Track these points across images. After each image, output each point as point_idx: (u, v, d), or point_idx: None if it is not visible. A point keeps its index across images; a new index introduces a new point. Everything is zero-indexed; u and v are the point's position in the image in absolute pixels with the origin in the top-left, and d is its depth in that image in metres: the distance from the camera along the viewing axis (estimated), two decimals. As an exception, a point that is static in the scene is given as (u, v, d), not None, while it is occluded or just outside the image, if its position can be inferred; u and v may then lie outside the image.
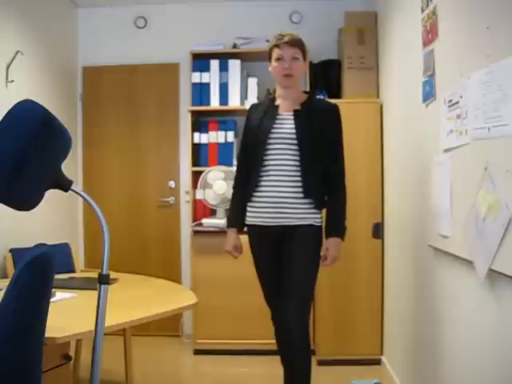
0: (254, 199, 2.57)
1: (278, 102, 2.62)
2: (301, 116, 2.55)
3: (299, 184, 2.50)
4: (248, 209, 2.62)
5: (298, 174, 2.50)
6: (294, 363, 2.55)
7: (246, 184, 2.63)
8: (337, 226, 2.58)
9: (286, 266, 2.51)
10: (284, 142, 2.52)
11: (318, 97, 2.95)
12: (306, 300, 2.53)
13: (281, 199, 2.50)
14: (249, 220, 2.63)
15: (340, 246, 2.56)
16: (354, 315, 3.64)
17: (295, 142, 2.50)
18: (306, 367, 2.52)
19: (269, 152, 2.53)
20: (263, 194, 2.54)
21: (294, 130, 2.52)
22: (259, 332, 3.69)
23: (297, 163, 2.50)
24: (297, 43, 2.55)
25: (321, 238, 2.56)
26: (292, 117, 2.55)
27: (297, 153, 2.50)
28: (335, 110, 2.62)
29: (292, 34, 2.56)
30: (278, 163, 2.52)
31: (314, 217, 2.53)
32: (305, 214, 2.51)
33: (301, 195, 2.50)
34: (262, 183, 2.54)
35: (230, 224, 2.75)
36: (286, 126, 2.54)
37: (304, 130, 2.51)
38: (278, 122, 2.56)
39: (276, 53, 2.56)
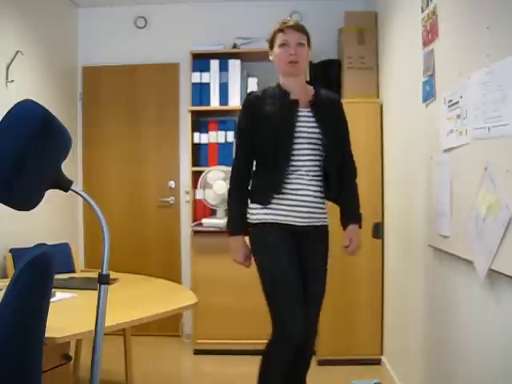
0: (281, 197, 2.36)
1: (292, 96, 2.42)
2: (318, 112, 2.41)
3: (321, 184, 2.41)
4: (271, 206, 2.38)
5: (321, 173, 2.41)
6: (301, 374, 2.52)
7: (247, 184, 2.49)
8: (356, 214, 2.52)
9: (313, 274, 2.42)
10: (308, 142, 2.38)
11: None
12: (321, 308, 2.50)
13: (312, 198, 2.38)
14: (272, 218, 2.38)
15: (360, 234, 2.50)
16: (354, 315, 3.64)
17: (319, 141, 2.38)
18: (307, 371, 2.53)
19: (295, 152, 2.36)
20: (295, 193, 2.36)
21: (316, 130, 2.38)
22: (259, 332, 3.67)
23: (319, 163, 2.40)
24: (303, 28, 2.42)
25: None
26: (311, 113, 2.41)
27: (320, 152, 2.39)
28: (340, 102, 2.60)
29: (296, 20, 2.47)
30: (306, 163, 2.37)
31: (327, 217, 2.51)
32: (324, 215, 2.48)
33: (322, 195, 2.43)
34: (291, 181, 2.36)
35: (235, 230, 2.48)
36: (307, 125, 2.39)
37: (325, 127, 2.39)
38: (299, 119, 2.38)
39: (280, 38, 2.39)
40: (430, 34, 2.33)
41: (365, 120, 3.64)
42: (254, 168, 2.52)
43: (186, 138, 4.15)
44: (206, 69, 4.06)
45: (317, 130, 2.38)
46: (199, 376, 3.65)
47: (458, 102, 1.97)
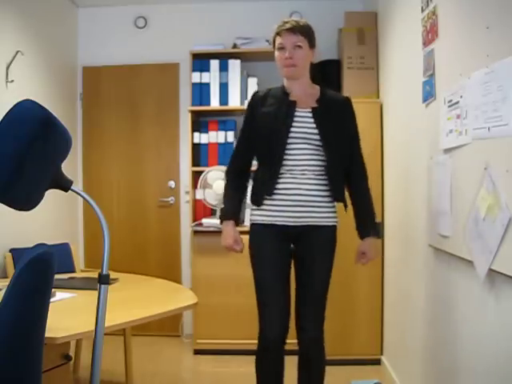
0: (273, 197, 2.38)
1: (292, 97, 2.43)
2: (320, 114, 2.40)
3: (326, 184, 2.39)
4: (263, 207, 2.41)
5: (324, 174, 2.38)
6: (312, 376, 2.47)
7: (242, 176, 2.58)
8: (372, 226, 2.53)
9: (309, 274, 2.42)
10: (306, 142, 2.37)
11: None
12: (324, 308, 2.44)
13: (307, 197, 2.36)
14: (262, 219, 2.42)
15: (376, 246, 2.51)
16: (354, 315, 3.64)
17: (319, 142, 2.36)
18: (322, 374, 2.47)
19: (289, 152, 2.36)
20: (286, 193, 2.36)
21: (316, 130, 2.37)
22: (259, 332, 3.68)
23: (321, 163, 2.38)
24: (299, 30, 2.35)
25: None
26: (311, 114, 2.39)
27: (321, 153, 2.37)
28: (350, 103, 2.51)
29: (296, 21, 2.39)
30: (301, 163, 2.36)
31: (335, 216, 2.45)
32: (327, 214, 2.41)
33: (326, 194, 2.39)
34: (284, 181, 2.36)
35: (226, 216, 2.49)
36: (306, 125, 2.38)
37: (326, 129, 2.38)
38: (296, 119, 2.38)
39: (277, 41, 2.38)
40: (430, 33, 2.33)
41: (365, 120, 3.61)
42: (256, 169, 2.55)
43: (186, 137, 4.15)
44: (206, 69, 4.06)
45: (315, 131, 2.36)
46: (199, 376, 3.65)
47: (458, 102, 1.97)
